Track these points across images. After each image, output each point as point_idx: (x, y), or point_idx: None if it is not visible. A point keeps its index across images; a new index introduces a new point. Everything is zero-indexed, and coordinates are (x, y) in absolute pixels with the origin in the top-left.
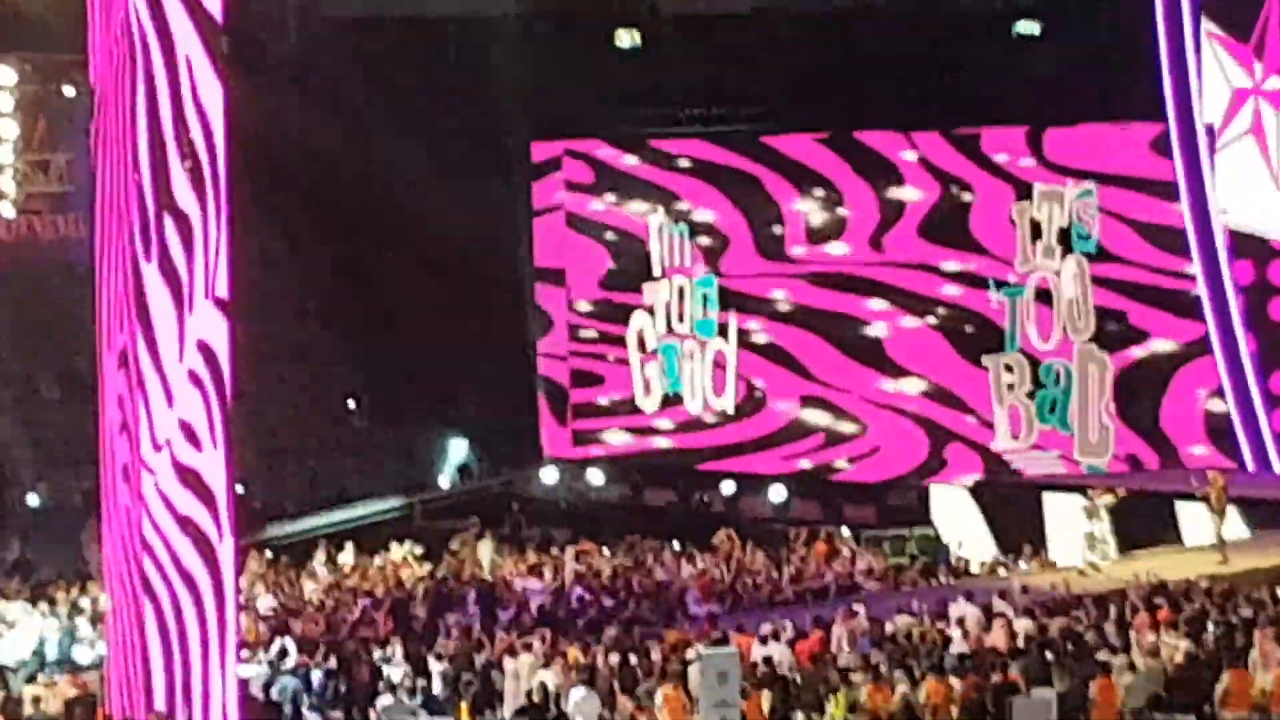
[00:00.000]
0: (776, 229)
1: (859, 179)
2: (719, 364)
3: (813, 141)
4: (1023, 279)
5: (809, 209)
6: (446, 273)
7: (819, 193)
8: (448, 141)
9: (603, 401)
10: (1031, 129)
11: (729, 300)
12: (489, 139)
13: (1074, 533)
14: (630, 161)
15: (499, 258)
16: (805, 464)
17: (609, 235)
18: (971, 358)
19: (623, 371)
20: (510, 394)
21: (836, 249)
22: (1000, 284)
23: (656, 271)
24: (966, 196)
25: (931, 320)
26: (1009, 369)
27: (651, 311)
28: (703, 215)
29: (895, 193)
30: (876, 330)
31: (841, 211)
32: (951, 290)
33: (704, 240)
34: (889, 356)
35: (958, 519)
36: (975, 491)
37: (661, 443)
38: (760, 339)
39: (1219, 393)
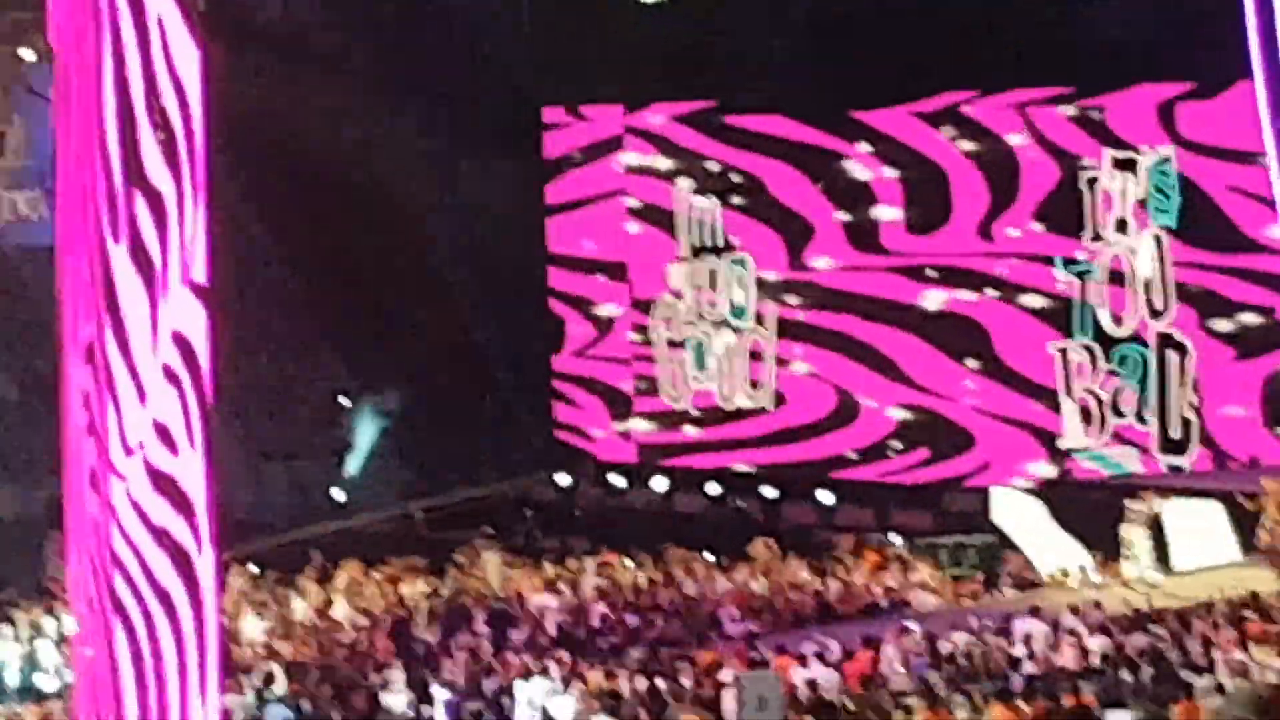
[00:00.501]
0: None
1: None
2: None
3: (908, 115)
4: (1093, 256)
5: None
6: (451, 257)
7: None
8: (449, 111)
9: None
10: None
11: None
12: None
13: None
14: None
15: (511, 241)
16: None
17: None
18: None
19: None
20: (524, 392)
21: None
22: (1068, 261)
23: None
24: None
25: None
26: (1082, 355)
27: (679, 296)
28: (760, 190)
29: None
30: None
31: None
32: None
33: (772, 219)
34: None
35: (1024, 525)
36: (1046, 496)
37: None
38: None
39: None
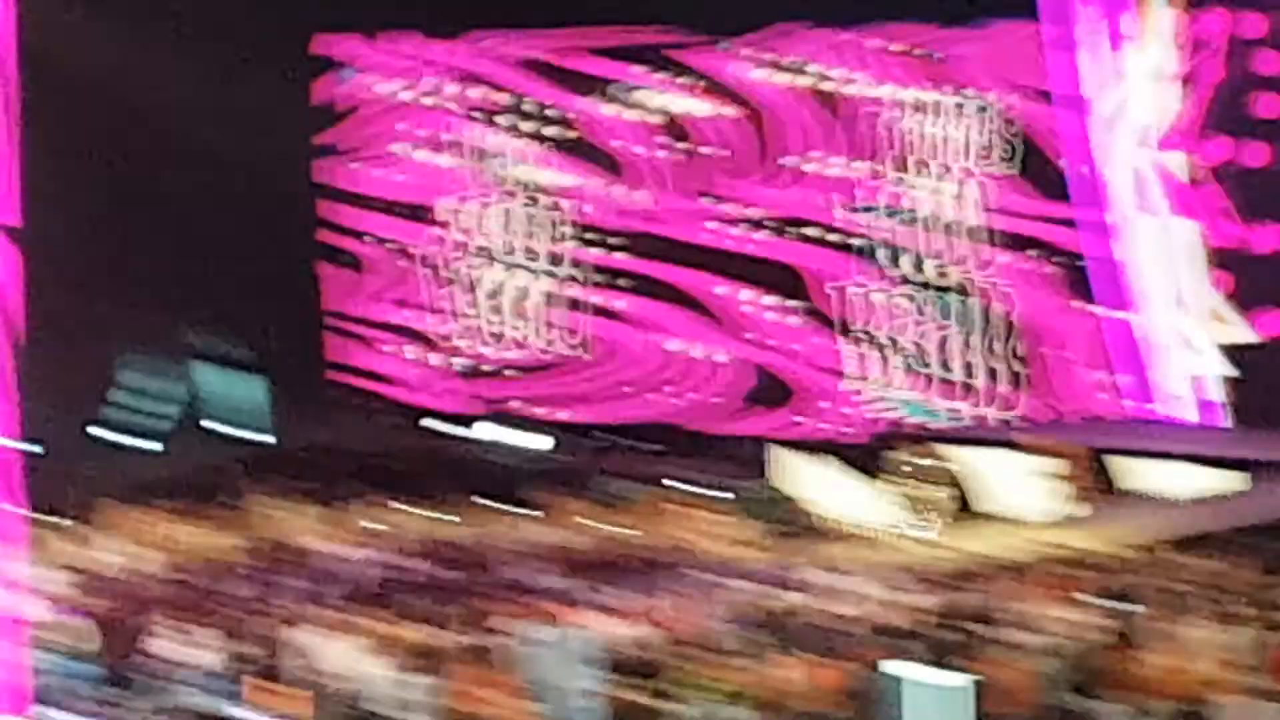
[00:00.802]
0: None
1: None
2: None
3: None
4: (912, 202)
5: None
6: (227, 193)
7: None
8: (230, 42)
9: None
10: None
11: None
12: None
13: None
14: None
15: (281, 172)
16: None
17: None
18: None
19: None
20: (307, 336)
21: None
22: (890, 208)
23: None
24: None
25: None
26: (904, 303)
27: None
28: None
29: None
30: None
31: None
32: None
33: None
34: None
35: (827, 477)
36: (850, 446)
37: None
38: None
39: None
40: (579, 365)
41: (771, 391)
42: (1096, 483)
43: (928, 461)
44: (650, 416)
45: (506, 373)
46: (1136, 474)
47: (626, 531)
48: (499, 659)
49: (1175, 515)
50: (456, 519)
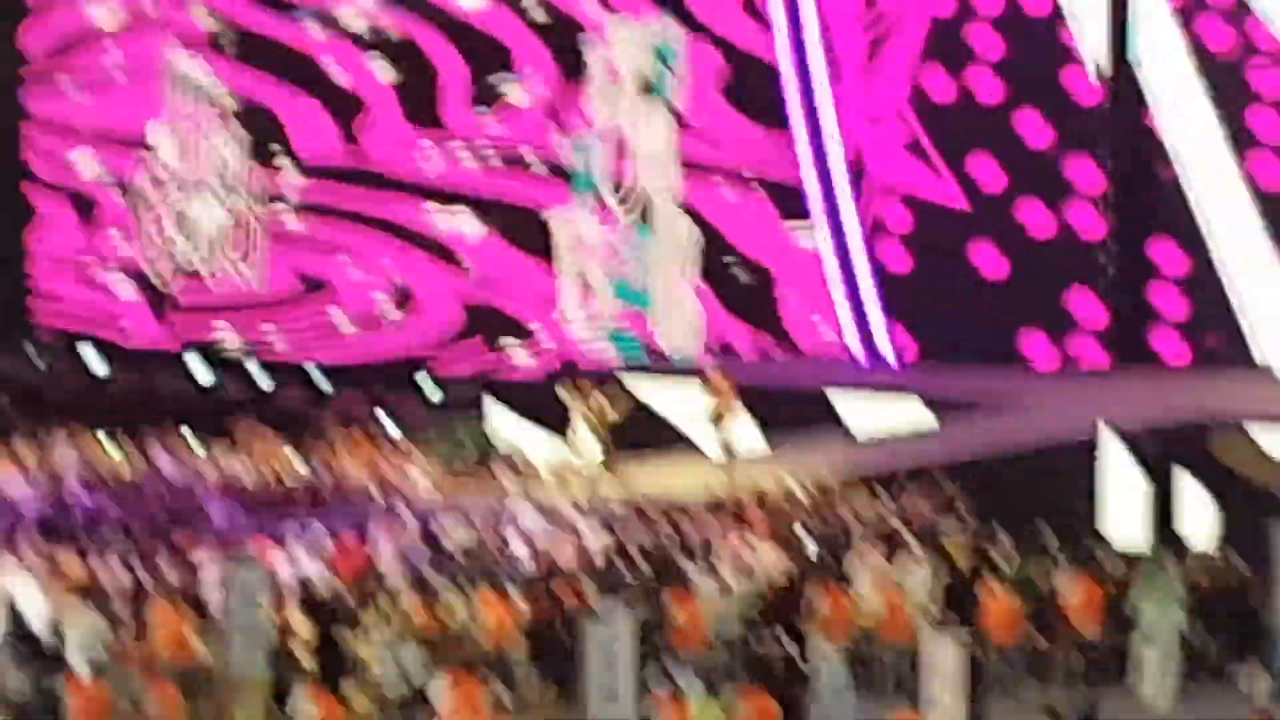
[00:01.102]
0: None
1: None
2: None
3: None
4: (601, 130)
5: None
6: None
7: None
8: None
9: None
10: None
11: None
12: None
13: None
14: None
15: None
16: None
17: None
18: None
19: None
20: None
21: None
22: (577, 139)
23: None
24: None
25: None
26: (579, 230)
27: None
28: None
29: None
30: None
31: None
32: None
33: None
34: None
35: (526, 414)
36: (549, 382)
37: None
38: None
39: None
40: (292, 299)
41: (487, 325)
42: (777, 419)
43: (616, 396)
44: (364, 353)
45: (216, 306)
46: (831, 410)
47: (326, 468)
48: (187, 594)
49: (860, 453)
50: (156, 453)
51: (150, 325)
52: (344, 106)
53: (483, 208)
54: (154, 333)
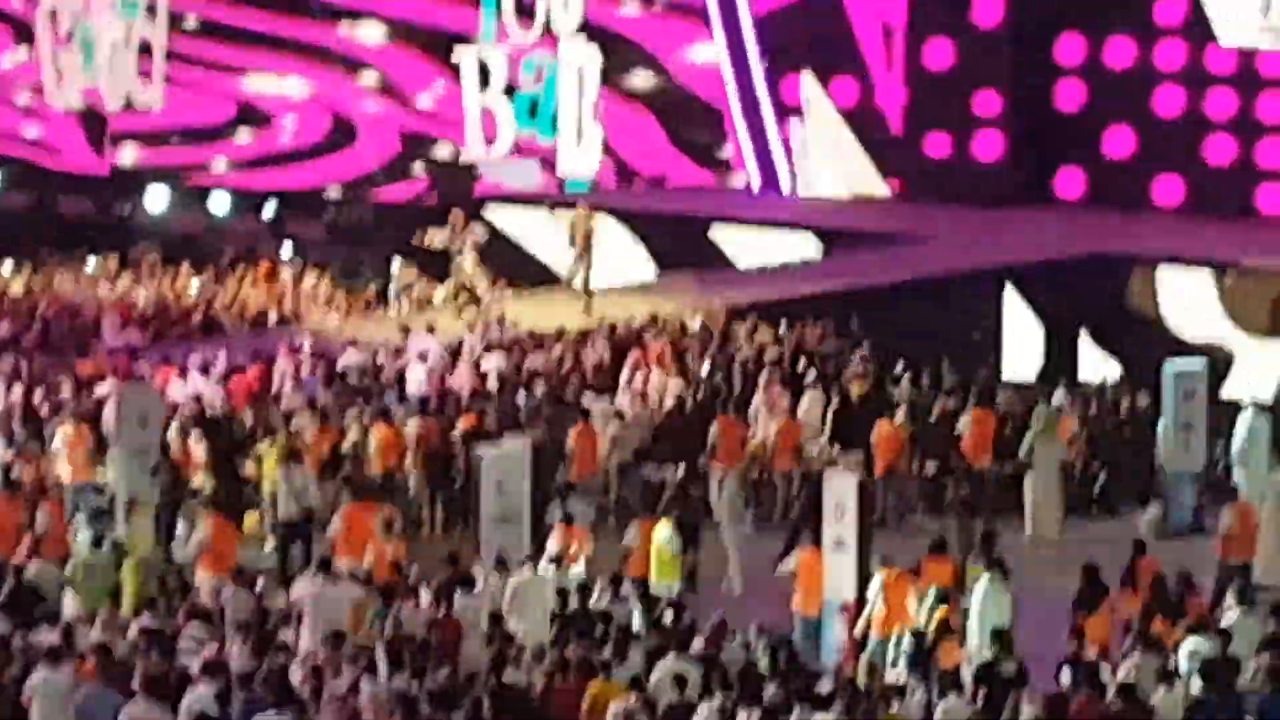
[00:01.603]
0: None
1: None
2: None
3: None
4: None
5: None
6: None
7: None
8: None
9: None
10: None
11: None
12: None
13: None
14: None
15: None
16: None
17: None
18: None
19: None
20: None
21: None
22: None
23: None
24: None
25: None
26: (483, 64)
27: None
28: None
29: None
30: None
31: None
32: None
33: None
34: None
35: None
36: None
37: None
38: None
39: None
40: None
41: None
42: (671, 251)
43: (493, 227)
44: (279, 179)
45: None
46: (720, 241)
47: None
48: (87, 416)
49: (747, 283)
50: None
51: (80, 150)
52: None
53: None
54: (83, 158)
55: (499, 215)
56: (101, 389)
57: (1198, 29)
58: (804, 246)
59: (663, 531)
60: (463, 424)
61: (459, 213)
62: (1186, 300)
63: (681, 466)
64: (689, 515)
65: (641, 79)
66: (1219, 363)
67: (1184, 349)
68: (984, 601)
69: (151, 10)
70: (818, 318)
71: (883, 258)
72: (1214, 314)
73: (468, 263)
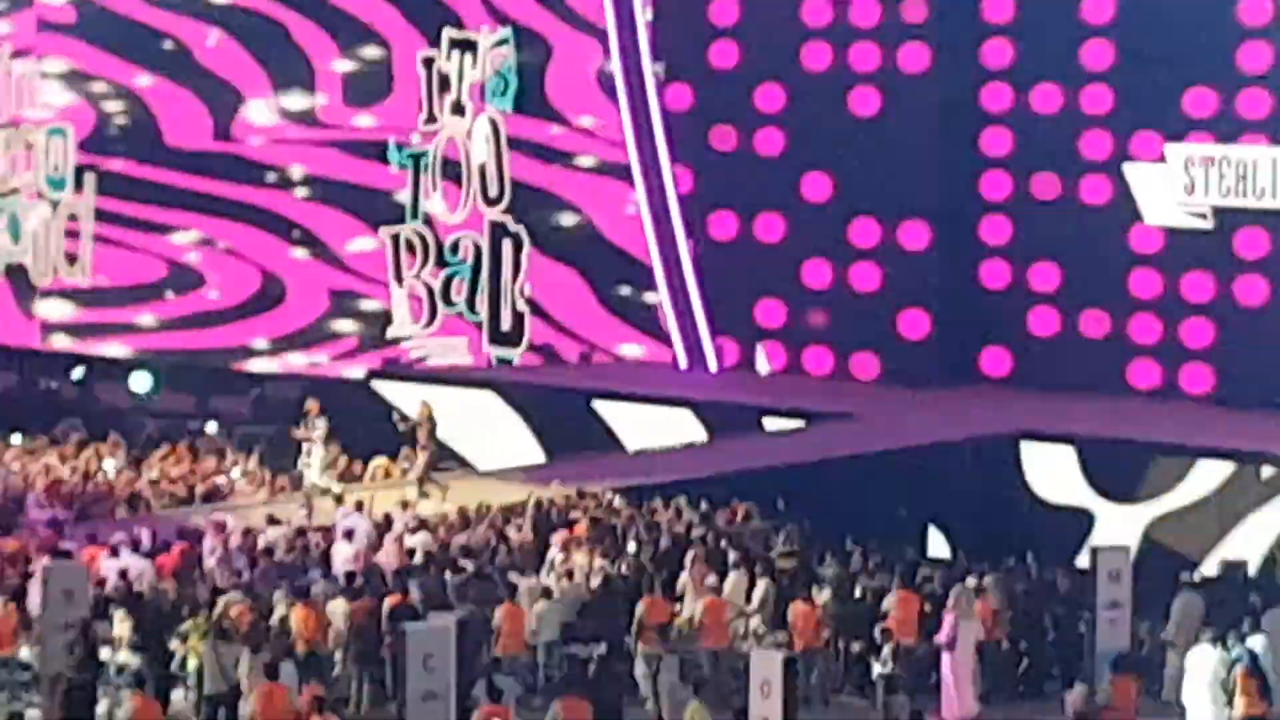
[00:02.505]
0: None
1: None
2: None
3: None
4: (427, 140)
5: None
6: None
7: None
8: None
9: None
10: None
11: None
12: None
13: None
14: None
15: None
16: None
17: None
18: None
19: None
20: None
21: None
22: (401, 146)
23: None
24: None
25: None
26: (411, 244)
27: None
28: None
29: None
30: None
31: None
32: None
33: None
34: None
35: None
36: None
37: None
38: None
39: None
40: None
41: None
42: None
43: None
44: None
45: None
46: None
47: (136, 466)
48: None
49: (631, 464)
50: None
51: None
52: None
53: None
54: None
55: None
56: (30, 566)
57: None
58: (684, 428)
59: (585, 708)
60: (389, 601)
61: (313, 403)
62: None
63: (605, 643)
64: (613, 691)
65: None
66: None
67: None
68: None
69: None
70: (742, 498)
71: (806, 435)
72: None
73: (315, 458)
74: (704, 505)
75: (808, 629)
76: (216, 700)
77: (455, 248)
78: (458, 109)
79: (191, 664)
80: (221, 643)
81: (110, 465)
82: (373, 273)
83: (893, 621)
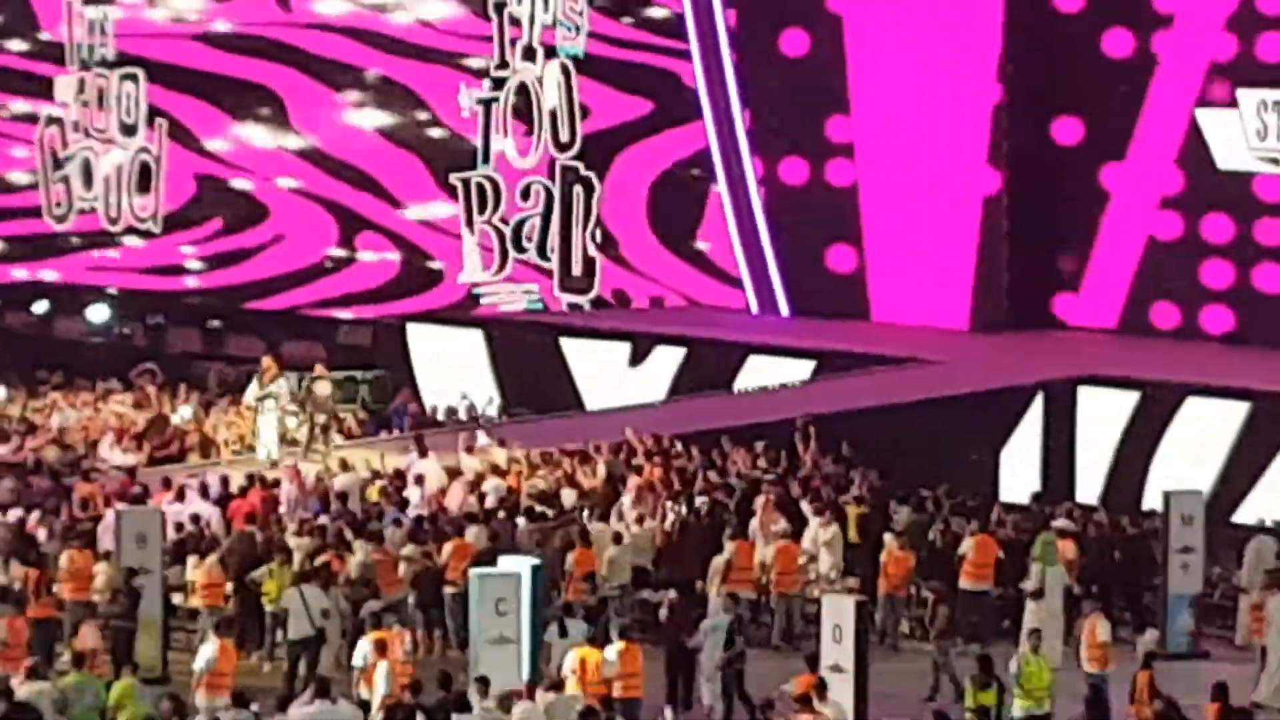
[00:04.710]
0: None
1: None
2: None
3: None
4: (499, 85)
5: None
6: None
7: None
8: None
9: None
10: None
11: None
12: None
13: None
14: None
15: None
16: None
17: None
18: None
19: None
20: None
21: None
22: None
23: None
24: None
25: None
26: (481, 189)
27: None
28: None
29: None
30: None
31: None
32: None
33: None
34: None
35: (426, 361)
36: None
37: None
38: None
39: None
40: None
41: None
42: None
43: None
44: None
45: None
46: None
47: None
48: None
49: (736, 404)
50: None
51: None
52: None
53: None
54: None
55: None
56: (102, 510)
57: None
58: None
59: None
60: (459, 545)
61: (268, 360)
62: None
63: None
64: (683, 635)
65: None
66: None
67: None
68: None
69: None
70: (816, 440)
71: (876, 380)
72: None
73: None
74: (773, 451)
75: (898, 574)
76: (301, 644)
77: (526, 193)
78: (528, 54)
79: (270, 607)
80: (309, 587)
81: (185, 411)
82: None
83: (969, 567)
